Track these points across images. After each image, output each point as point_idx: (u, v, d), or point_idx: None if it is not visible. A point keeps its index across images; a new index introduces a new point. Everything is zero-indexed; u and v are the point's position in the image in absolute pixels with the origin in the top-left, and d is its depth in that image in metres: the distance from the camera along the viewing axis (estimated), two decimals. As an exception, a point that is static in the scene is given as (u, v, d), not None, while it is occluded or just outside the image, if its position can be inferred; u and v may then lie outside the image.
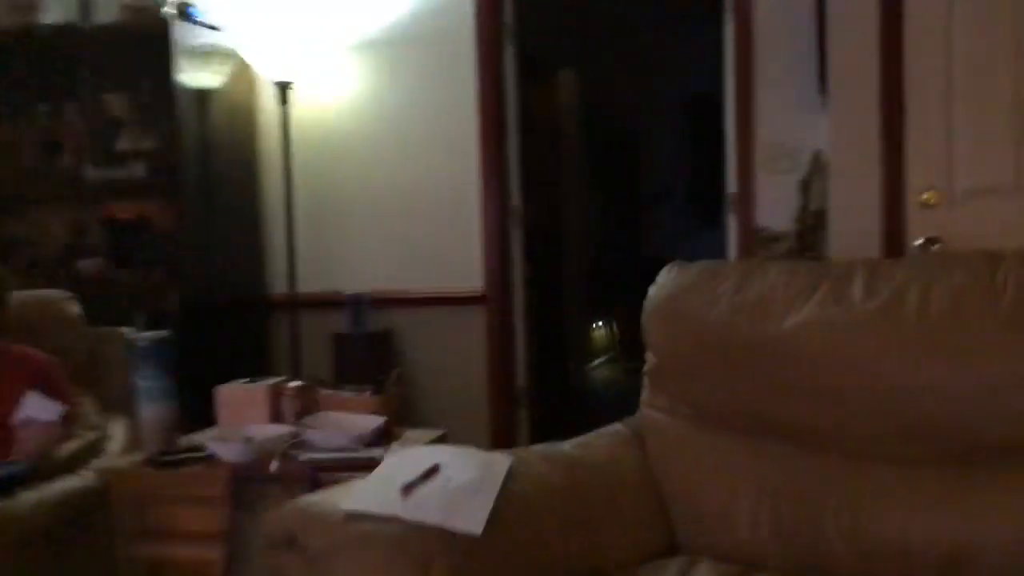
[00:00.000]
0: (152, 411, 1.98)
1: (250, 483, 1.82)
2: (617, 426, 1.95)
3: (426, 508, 1.45)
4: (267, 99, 4.00)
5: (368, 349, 3.72)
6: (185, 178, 3.65)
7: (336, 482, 1.75)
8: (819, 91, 3.00)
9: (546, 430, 4.20)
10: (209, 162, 3.76)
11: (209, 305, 3.67)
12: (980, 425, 1.39)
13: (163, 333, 2.02)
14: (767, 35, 3.43)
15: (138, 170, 3.82)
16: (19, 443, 2.00)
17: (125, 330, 2.49)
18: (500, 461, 1.64)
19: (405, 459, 1.65)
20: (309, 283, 3.90)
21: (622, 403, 5.55)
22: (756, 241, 3.33)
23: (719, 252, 6.77)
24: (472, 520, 1.44)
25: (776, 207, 3.40)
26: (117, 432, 2.30)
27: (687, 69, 6.65)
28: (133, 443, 2.27)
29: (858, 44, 2.78)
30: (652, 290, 1.89)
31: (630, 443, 1.86)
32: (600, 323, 6.24)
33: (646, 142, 6.93)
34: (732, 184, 3.55)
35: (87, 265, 3.77)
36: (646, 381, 1.90)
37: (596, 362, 6.17)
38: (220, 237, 3.79)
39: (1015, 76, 2.61)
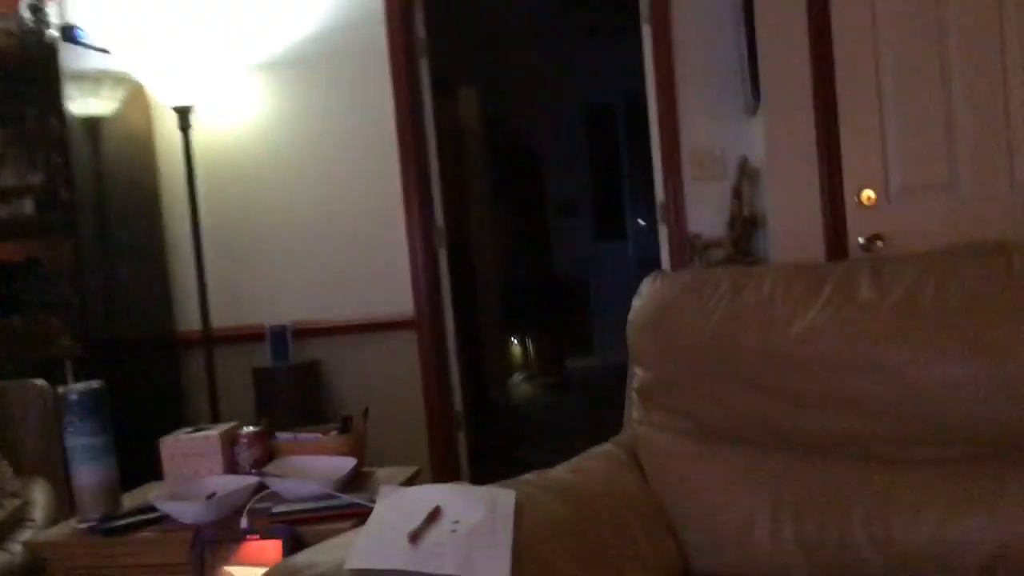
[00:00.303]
0: (89, 473, 1.75)
1: (215, 545, 1.62)
2: (606, 446, 1.84)
3: (442, 559, 1.31)
4: (166, 125, 3.75)
5: (293, 382, 3.51)
6: (79, 214, 3.38)
7: (317, 536, 1.59)
8: (752, 97, 3.01)
9: (477, 450, 4.07)
10: (105, 195, 3.49)
11: (114, 348, 3.40)
12: (1011, 421, 1.36)
13: (95, 384, 1.80)
14: (686, 43, 3.43)
15: (25, 207, 3.52)
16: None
17: (39, 382, 2.24)
18: (504, 497, 1.50)
19: (399, 503, 1.49)
20: (223, 317, 3.66)
21: (545, 419, 5.45)
22: (692, 248, 3.30)
23: (626, 262, 6.86)
24: (495, 569, 1.31)
25: (706, 214, 3.39)
26: (38, 497, 2.05)
27: (586, 82, 6.69)
28: (58, 509, 2.03)
29: (789, 49, 2.79)
30: (636, 302, 1.81)
31: (626, 464, 1.76)
32: (514, 339, 6.15)
33: (548, 156, 6.91)
34: (660, 193, 3.52)
35: (-28, 313, 3.43)
36: (636, 398, 1.80)
37: (514, 379, 6.08)
38: (121, 275, 3.52)
39: (941, 74, 2.67)
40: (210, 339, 3.56)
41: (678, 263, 3.43)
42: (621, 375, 6.43)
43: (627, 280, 6.83)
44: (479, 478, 3.89)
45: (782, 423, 1.56)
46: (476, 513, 1.44)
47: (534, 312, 6.23)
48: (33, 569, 1.80)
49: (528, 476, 1.70)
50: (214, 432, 1.90)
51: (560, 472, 1.73)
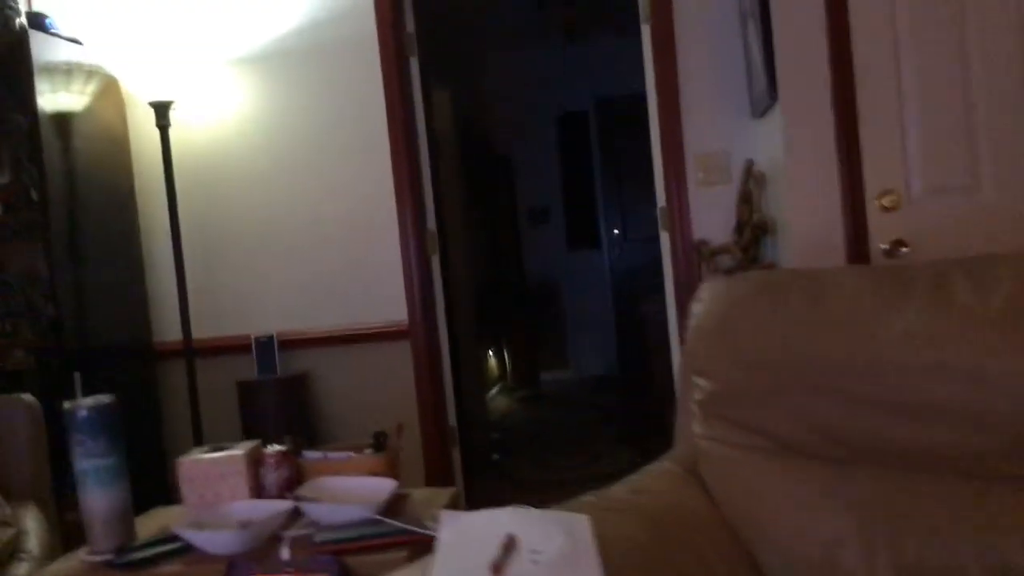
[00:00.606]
0: (101, 498, 1.57)
1: (246, 577, 1.46)
2: (664, 464, 1.72)
3: (535, 594, 1.17)
4: (141, 121, 3.55)
5: (280, 396, 3.33)
6: (51, 216, 3.16)
7: (367, 568, 1.44)
8: (768, 96, 2.93)
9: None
10: (77, 197, 3.28)
11: (87, 360, 3.18)
12: None
13: (106, 398, 1.62)
14: (688, 45, 3.35)
15: (-9, 210, 3.29)
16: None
17: (26, 397, 2.04)
18: (579, 522, 1.37)
19: (465, 531, 1.35)
20: (204, 327, 3.46)
21: (524, 432, 5.31)
22: (699, 255, 3.21)
23: (599, 271, 6.77)
24: (595, 602, 1.18)
25: (711, 220, 3.31)
26: (31, 526, 1.85)
27: (559, 89, 6.60)
28: (52, 539, 1.84)
29: (806, 49, 2.72)
30: (697, 307, 1.69)
31: (688, 482, 1.64)
32: (490, 351, 6.01)
33: (520, 162, 6.79)
34: (661, 198, 3.43)
35: (-68, 323, 3.18)
36: (698, 411, 1.68)
37: (490, 392, 5.93)
38: (96, 282, 3.31)
39: (961, 73, 2.62)
40: (191, 350, 3.36)
41: (682, 270, 3.33)
42: (595, 387, 6.33)
43: (601, 290, 6.75)
44: (473, 494, 3.75)
45: (873, 437, 1.45)
46: (555, 541, 1.31)
47: (508, 322, 6.10)
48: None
49: (587, 498, 1.58)
50: (238, 452, 1.73)
51: (622, 493, 1.60)
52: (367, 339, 3.46)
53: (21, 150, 3.28)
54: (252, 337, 3.39)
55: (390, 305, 3.47)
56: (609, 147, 6.74)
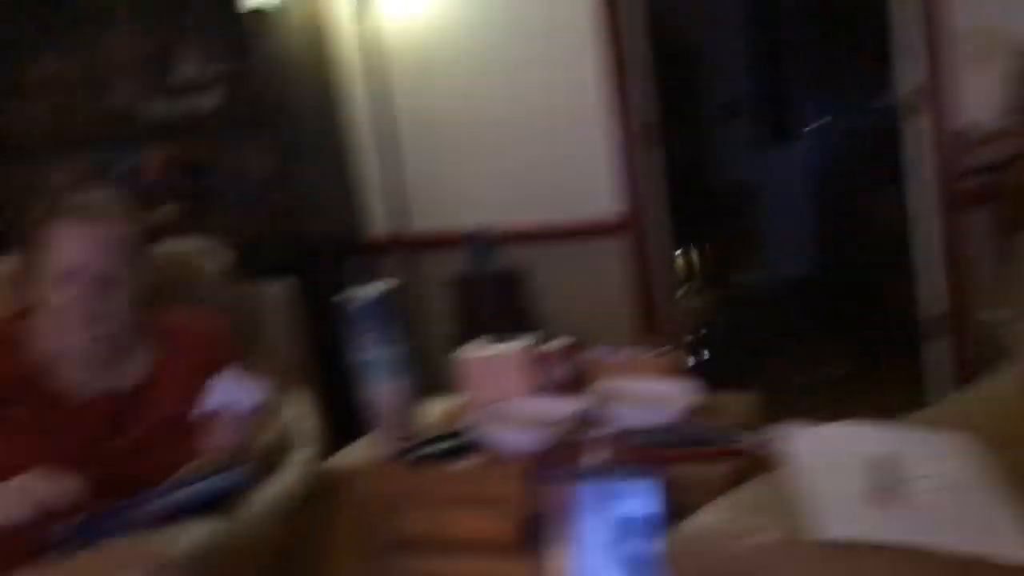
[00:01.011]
0: (387, 390, 1.49)
1: (542, 480, 1.35)
2: (1001, 380, 1.48)
3: (946, 531, 0.99)
4: (340, 15, 3.44)
5: (497, 293, 3.22)
6: (263, 110, 3.13)
7: (682, 480, 1.28)
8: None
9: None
10: (283, 91, 3.21)
11: (304, 253, 3.16)
12: None
13: (390, 284, 1.53)
14: None
15: (205, 103, 3.28)
16: (213, 440, 1.50)
17: (288, 280, 2.00)
18: (964, 443, 1.17)
19: (824, 449, 1.17)
20: (414, 221, 3.41)
21: (720, 335, 5.06)
22: (971, 141, 2.85)
23: (798, 165, 6.34)
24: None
25: (976, 101, 2.91)
26: (299, 416, 1.81)
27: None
28: (325, 428, 1.80)
29: None
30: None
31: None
32: (684, 251, 5.75)
33: (709, 51, 6.35)
34: (912, 79, 3.05)
35: (162, 214, 3.25)
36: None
37: (680, 293, 5.70)
38: (308, 174, 3.28)
39: None
40: (404, 244, 3.31)
41: (945, 160, 2.97)
42: (795, 289, 5.89)
43: (800, 185, 6.30)
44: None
45: None
46: (944, 464, 1.11)
47: (702, 220, 5.80)
48: (316, 499, 1.57)
49: (925, 413, 1.37)
50: (521, 346, 1.62)
51: (966, 414, 1.39)
52: (575, 235, 3.31)
53: (225, 44, 3.24)
54: (465, 231, 3.28)
55: (599, 201, 3.29)
56: (809, 30, 6.21)
